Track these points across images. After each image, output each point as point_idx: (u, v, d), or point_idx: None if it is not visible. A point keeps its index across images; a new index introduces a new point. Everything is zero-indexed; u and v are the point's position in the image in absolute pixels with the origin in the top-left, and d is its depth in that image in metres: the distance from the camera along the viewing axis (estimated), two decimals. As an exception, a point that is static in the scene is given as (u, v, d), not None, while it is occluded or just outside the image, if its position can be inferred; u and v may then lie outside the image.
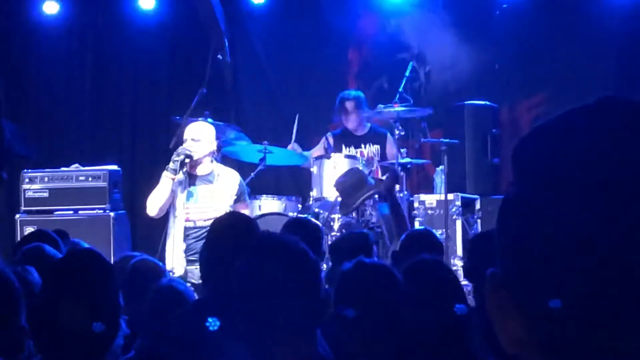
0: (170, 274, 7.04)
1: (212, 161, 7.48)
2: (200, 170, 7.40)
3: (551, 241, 0.95)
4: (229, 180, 7.43)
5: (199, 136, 7.37)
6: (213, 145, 7.44)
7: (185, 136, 7.42)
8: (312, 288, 2.68)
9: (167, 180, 7.23)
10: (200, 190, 7.34)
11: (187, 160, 7.21)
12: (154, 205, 7.28)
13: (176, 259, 7.14)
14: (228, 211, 7.22)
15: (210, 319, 2.93)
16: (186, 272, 7.01)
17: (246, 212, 7.40)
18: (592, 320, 0.93)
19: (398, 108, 8.34)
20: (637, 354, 0.93)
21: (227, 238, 3.61)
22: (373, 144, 8.79)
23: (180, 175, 7.23)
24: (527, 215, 0.98)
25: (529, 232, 0.97)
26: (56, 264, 3.01)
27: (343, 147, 8.74)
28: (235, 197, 7.41)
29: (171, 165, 7.22)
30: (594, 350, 0.94)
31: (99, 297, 2.78)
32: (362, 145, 8.79)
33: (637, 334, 0.92)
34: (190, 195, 7.31)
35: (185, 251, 7.12)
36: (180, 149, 7.29)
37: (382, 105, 8.44)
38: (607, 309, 0.93)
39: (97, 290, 2.79)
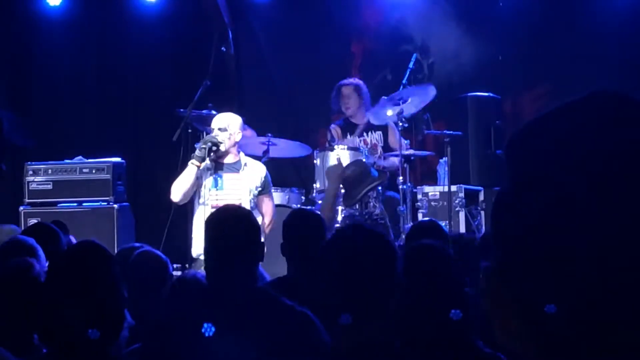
0: (192, 261, 7.10)
1: (238, 151, 7.49)
2: (227, 159, 7.42)
3: (543, 236, 0.95)
4: (255, 171, 7.45)
5: (226, 125, 7.38)
6: (239, 136, 7.45)
7: (212, 125, 7.43)
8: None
9: (192, 168, 7.24)
10: (226, 178, 7.37)
11: (214, 149, 7.22)
12: (178, 191, 7.29)
13: (200, 246, 7.18)
14: (250, 201, 7.24)
15: (205, 325, 2.95)
16: None
17: (270, 203, 7.46)
18: (587, 316, 0.93)
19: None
20: (632, 349, 0.93)
21: (225, 231, 3.62)
22: (375, 131, 8.79)
23: (207, 162, 7.25)
24: (520, 211, 0.98)
25: (521, 227, 0.97)
26: (59, 257, 3.01)
27: (348, 135, 8.75)
28: (260, 188, 7.43)
29: (197, 152, 7.23)
30: (589, 345, 0.94)
31: (102, 289, 2.78)
32: (365, 133, 8.79)
33: (631, 329, 0.93)
34: (216, 182, 7.33)
35: None
36: (207, 137, 7.32)
37: (386, 97, 8.43)
38: (601, 305, 0.93)
39: (100, 282, 2.80)
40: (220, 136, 7.30)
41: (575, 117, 0.99)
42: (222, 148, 7.28)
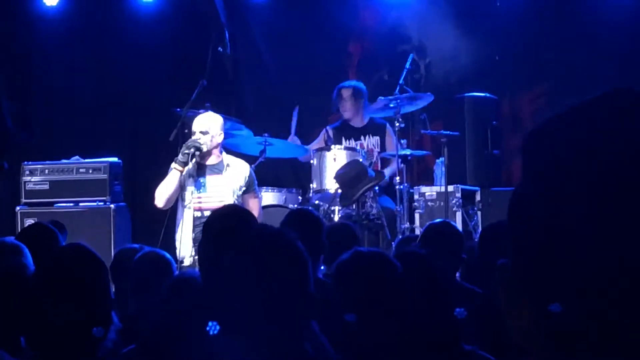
0: (179, 263, 7.07)
1: (220, 152, 7.47)
2: (209, 161, 7.39)
3: (559, 235, 0.95)
4: (238, 171, 7.41)
5: (207, 128, 7.36)
6: (221, 137, 7.43)
7: (193, 128, 7.41)
8: (303, 283, 2.67)
9: (175, 172, 7.23)
10: (209, 180, 7.34)
11: (197, 153, 7.21)
12: (161, 196, 7.28)
13: (185, 249, 7.16)
14: (234, 202, 7.21)
15: (210, 323, 2.94)
16: (195, 261, 7.02)
17: (255, 203, 7.41)
18: (603, 315, 0.93)
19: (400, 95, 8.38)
20: None
21: (222, 230, 3.62)
22: (373, 136, 8.79)
23: (189, 166, 7.23)
24: (537, 210, 0.98)
25: (538, 226, 0.97)
26: (46, 261, 3.00)
27: (343, 139, 8.73)
28: (245, 188, 7.39)
29: (180, 157, 7.21)
30: (602, 343, 0.94)
31: (88, 292, 2.77)
32: (362, 137, 8.79)
33: None
34: (199, 185, 7.31)
35: (194, 241, 7.12)
36: (189, 142, 7.28)
37: (383, 97, 8.44)
38: (617, 304, 0.92)
39: (86, 286, 2.79)
40: (202, 139, 7.28)
41: (593, 115, 0.98)
42: (204, 149, 7.27)
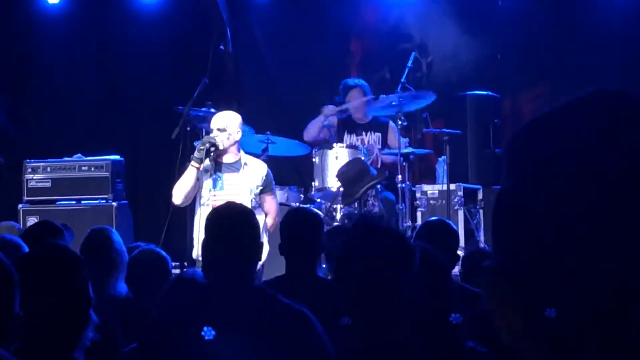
0: (196, 262, 7.07)
1: (239, 150, 7.44)
2: (226, 159, 7.35)
3: (545, 236, 0.95)
4: (255, 170, 7.36)
5: (225, 125, 7.32)
6: (239, 135, 7.38)
7: (211, 126, 7.38)
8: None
9: (192, 169, 7.19)
10: (226, 178, 7.30)
11: (212, 149, 7.18)
12: (179, 194, 7.24)
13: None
14: (251, 200, 7.16)
15: (205, 328, 2.95)
16: None
17: (273, 202, 7.36)
18: (590, 316, 0.93)
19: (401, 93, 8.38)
20: (634, 345, 0.93)
21: (224, 229, 3.63)
22: (374, 132, 8.79)
23: (207, 163, 7.20)
24: (521, 210, 0.98)
25: (523, 227, 0.98)
26: (22, 258, 3.00)
27: (345, 133, 8.74)
28: (261, 187, 7.33)
29: (196, 154, 7.19)
30: (592, 344, 0.94)
31: (65, 291, 2.77)
32: (364, 133, 8.79)
33: (634, 329, 0.93)
34: (216, 182, 7.28)
35: None
36: (205, 138, 7.26)
37: (385, 95, 8.44)
38: (604, 305, 0.93)
39: (63, 284, 2.79)
40: (219, 136, 7.25)
41: (577, 117, 0.99)
42: (221, 147, 7.24)
